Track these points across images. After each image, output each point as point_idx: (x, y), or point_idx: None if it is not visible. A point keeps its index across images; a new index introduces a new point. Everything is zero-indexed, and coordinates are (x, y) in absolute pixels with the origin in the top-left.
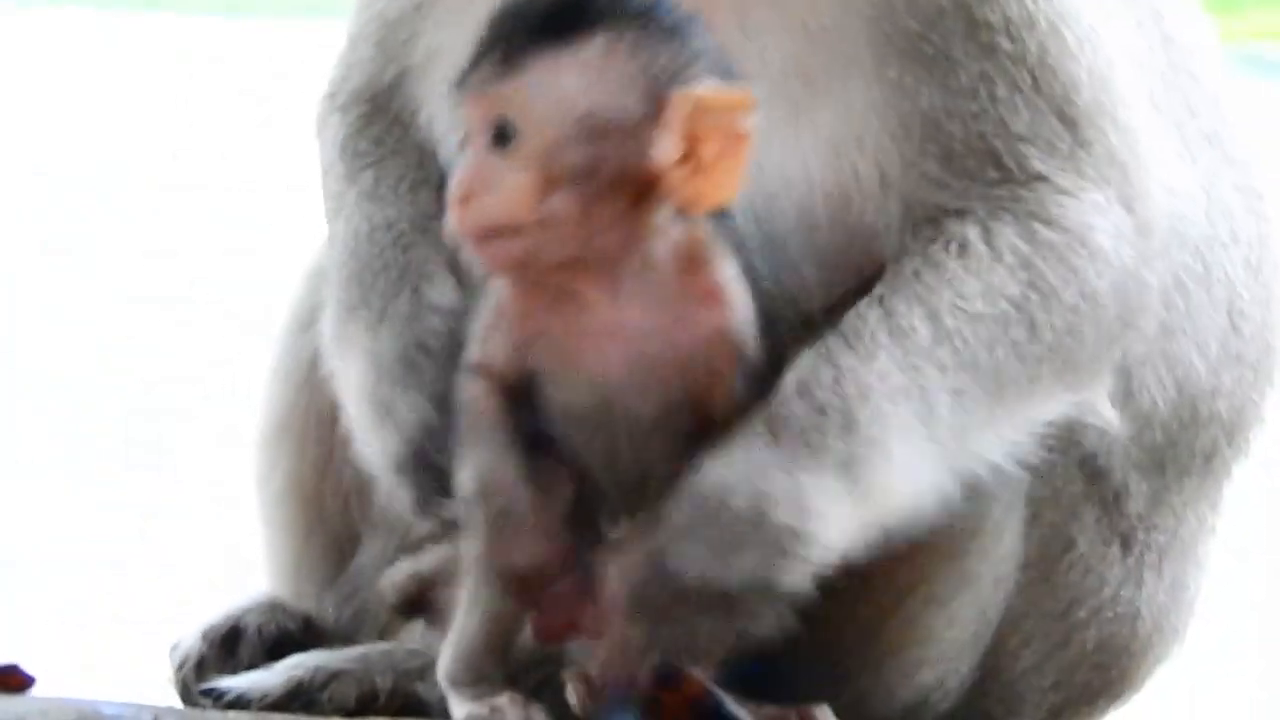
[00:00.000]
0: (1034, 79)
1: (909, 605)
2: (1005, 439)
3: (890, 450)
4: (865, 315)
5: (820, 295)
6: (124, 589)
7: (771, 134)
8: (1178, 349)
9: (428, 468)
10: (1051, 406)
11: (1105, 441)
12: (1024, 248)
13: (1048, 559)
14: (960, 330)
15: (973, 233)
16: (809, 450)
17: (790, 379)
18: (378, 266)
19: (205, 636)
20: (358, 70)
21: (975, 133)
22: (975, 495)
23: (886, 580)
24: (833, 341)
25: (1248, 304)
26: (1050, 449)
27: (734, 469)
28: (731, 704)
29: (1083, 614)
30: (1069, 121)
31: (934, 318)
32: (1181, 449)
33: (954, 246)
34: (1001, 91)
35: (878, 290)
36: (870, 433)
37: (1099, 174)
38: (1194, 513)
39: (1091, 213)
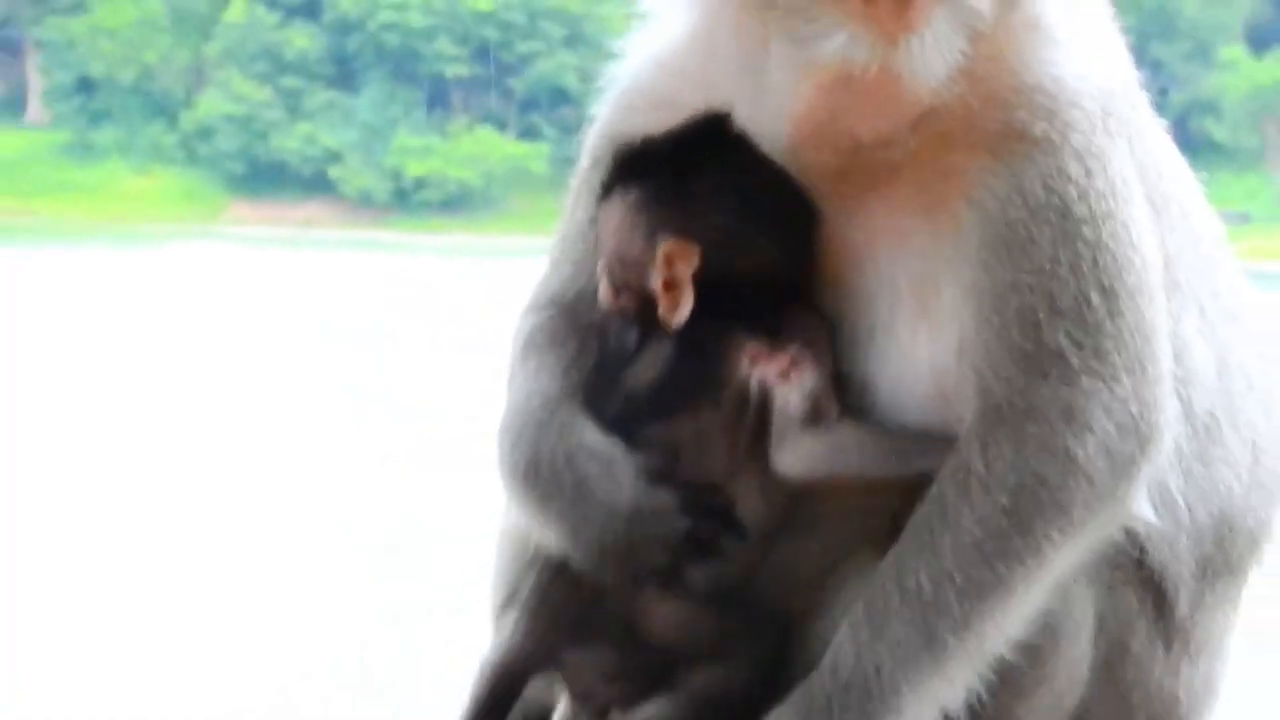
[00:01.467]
0: (1095, 261)
1: (1000, 700)
2: (1028, 614)
3: (903, 708)
4: (883, 579)
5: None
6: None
7: (902, 325)
8: (1219, 476)
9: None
10: (1070, 560)
11: (1161, 560)
12: (1011, 451)
13: (1110, 661)
14: (961, 566)
15: (973, 452)
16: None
17: (827, 656)
18: (531, 424)
19: None
20: (552, 282)
21: (1029, 305)
22: (1052, 615)
23: (986, 684)
24: (858, 617)
25: (1265, 440)
26: (1115, 570)
27: None
28: None
29: (1135, 700)
30: (1112, 296)
31: (937, 564)
32: (1219, 559)
33: (959, 475)
34: (1063, 270)
35: (895, 551)
36: (885, 700)
37: (1117, 350)
38: (1221, 612)
39: (1086, 397)
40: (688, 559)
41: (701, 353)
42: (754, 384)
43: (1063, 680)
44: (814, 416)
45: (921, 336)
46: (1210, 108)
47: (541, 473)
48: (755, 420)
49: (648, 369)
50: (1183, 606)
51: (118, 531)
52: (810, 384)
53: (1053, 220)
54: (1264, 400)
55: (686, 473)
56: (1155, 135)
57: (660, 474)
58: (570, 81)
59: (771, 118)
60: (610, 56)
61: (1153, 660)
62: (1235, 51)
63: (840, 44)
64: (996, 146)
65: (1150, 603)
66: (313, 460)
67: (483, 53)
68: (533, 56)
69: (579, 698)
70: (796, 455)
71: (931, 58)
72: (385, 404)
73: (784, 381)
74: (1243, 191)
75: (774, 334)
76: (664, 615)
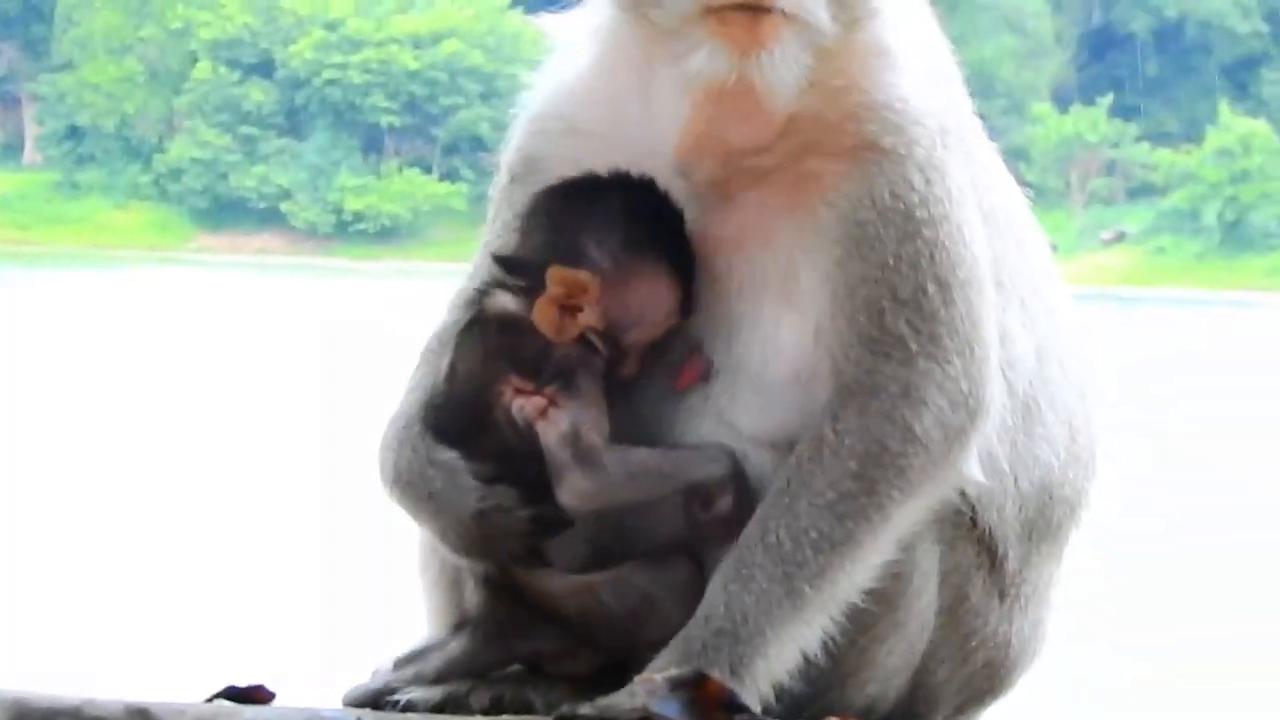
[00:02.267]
0: (933, 258)
1: (860, 643)
2: (876, 566)
3: (767, 650)
4: (748, 537)
5: (786, 432)
6: (341, 626)
7: (768, 312)
8: (1039, 451)
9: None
10: (911, 518)
11: (991, 521)
12: (858, 422)
13: (952, 608)
14: (815, 524)
15: (825, 424)
16: (707, 661)
17: (701, 606)
18: (395, 439)
19: (395, 664)
20: (470, 286)
21: (874, 295)
22: (902, 571)
23: (844, 630)
24: (727, 571)
25: (1080, 420)
26: (955, 529)
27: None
28: (742, 696)
29: (974, 644)
30: (946, 287)
31: (795, 522)
32: (1041, 522)
33: (813, 444)
34: (904, 266)
35: (760, 512)
36: (752, 643)
37: (949, 335)
38: (1047, 569)
39: (922, 376)
40: (540, 539)
41: (476, 381)
42: (518, 417)
43: (914, 626)
44: (579, 455)
45: (784, 324)
46: (1023, 154)
47: (402, 486)
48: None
49: (449, 386)
50: (1012, 563)
51: (110, 524)
52: (565, 424)
53: (897, 222)
54: (1078, 386)
55: (522, 471)
56: (986, 154)
57: (499, 476)
58: (485, 131)
59: (662, 135)
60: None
61: (989, 609)
62: (1044, 108)
63: (702, 58)
64: (851, 156)
65: (985, 558)
66: (274, 456)
67: (412, 105)
68: (454, 109)
69: (556, 678)
70: (569, 493)
71: (782, 71)
72: (330, 405)
73: (542, 419)
74: (1050, 225)
75: (538, 371)
76: (561, 590)
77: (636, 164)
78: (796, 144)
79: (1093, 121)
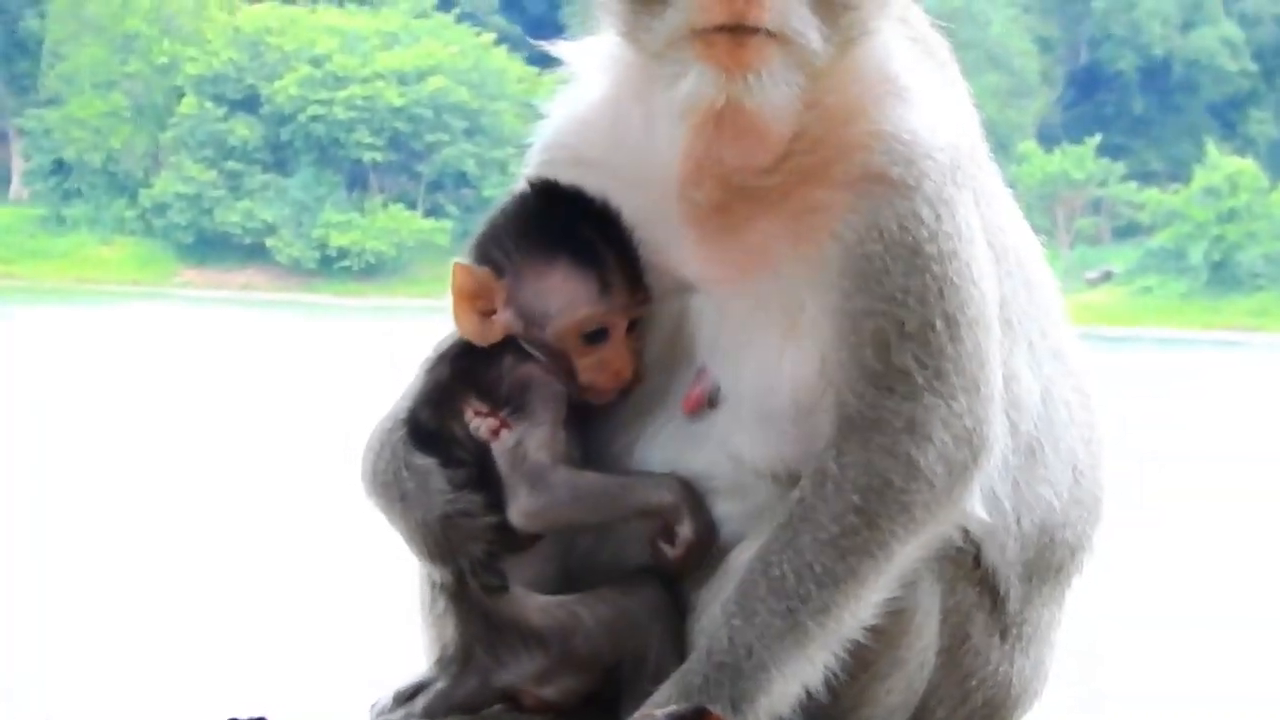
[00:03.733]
0: (941, 293)
1: (861, 680)
2: (878, 602)
3: (770, 685)
4: (752, 571)
5: (790, 462)
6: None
7: (772, 342)
8: (1041, 492)
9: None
10: (913, 554)
11: (993, 560)
12: (862, 456)
13: (953, 647)
14: (819, 558)
15: (829, 458)
16: (708, 696)
17: (703, 640)
18: (376, 442)
19: (395, 698)
20: None
21: (880, 328)
22: (904, 609)
23: (846, 666)
24: (730, 605)
25: (1084, 465)
26: (956, 568)
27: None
28: None
29: (974, 683)
30: (954, 324)
31: (798, 557)
32: (1043, 564)
33: (817, 477)
34: (911, 300)
35: (763, 545)
36: (755, 678)
37: (956, 372)
38: (1048, 612)
39: (927, 411)
40: (502, 548)
41: (443, 394)
42: (475, 435)
43: (914, 664)
44: (525, 473)
45: (788, 355)
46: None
47: (378, 486)
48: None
49: (423, 400)
50: (1013, 602)
51: (91, 562)
52: (511, 444)
53: (905, 256)
54: (1083, 431)
55: (489, 488)
56: (999, 194)
57: (470, 483)
58: (470, 167)
59: (663, 162)
60: (502, 143)
61: (989, 648)
62: (1029, 146)
63: (691, 82)
64: (857, 186)
65: (987, 598)
66: (257, 492)
67: (396, 141)
68: (438, 145)
69: (538, 709)
70: (516, 512)
71: (772, 92)
72: (312, 441)
73: (494, 438)
74: None
75: (494, 393)
76: (533, 608)
77: (640, 191)
78: (800, 168)
79: (1079, 160)
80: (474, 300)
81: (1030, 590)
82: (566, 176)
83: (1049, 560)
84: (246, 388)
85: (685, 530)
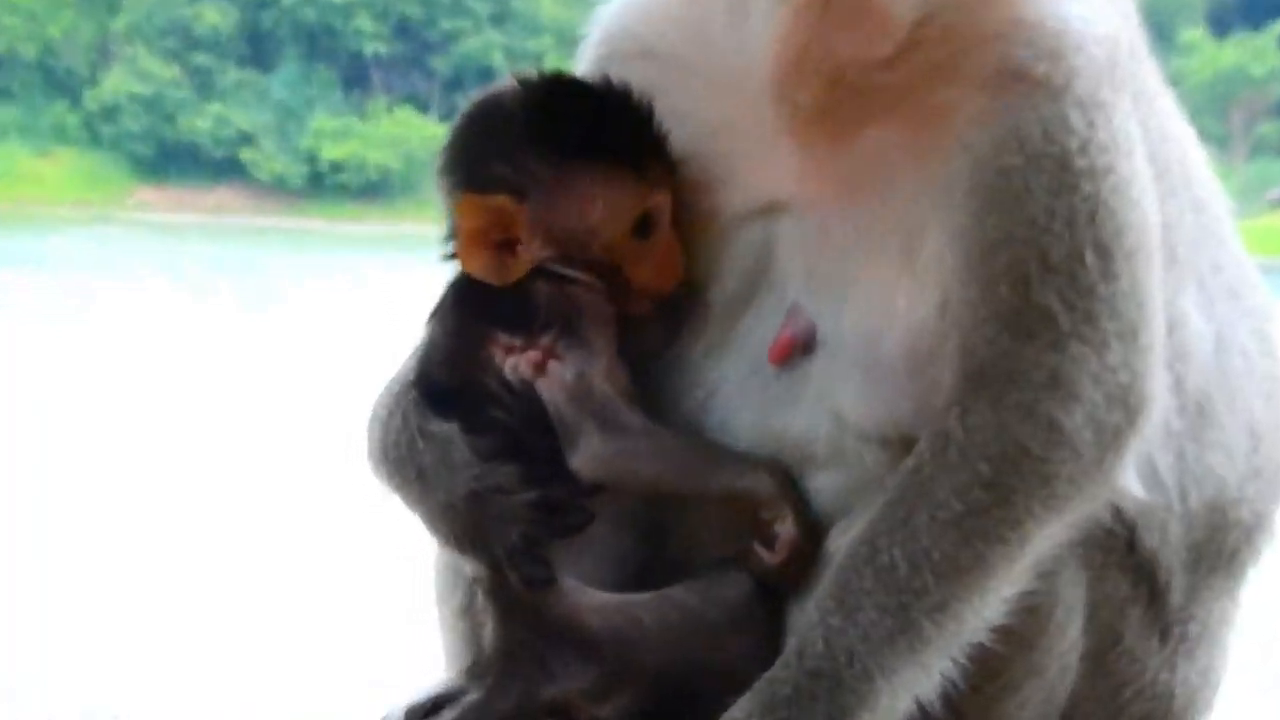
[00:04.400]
0: (1093, 218)
1: (987, 692)
2: (1009, 597)
3: (875, 699)
4: (854, 559)
5: (904, 424)
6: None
7: (883, 275)
8: (1212, 460)
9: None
10: (1053, 538)
11: (1152, 545)
12: (993, 417)
13: (1101, 651)
14: (938, 543)
15: (952, 419)
16: (798, 711)
17: (793, 642)
18: (386, 406)
19: (408, 715)
20: None
21: (1019, 259)
22: (1041, 604)
23: (968, 675)
24: (826, 600)
25: (1264, 428)
26: (1106, 553)
27: None
28: None
29: (1128, 695)
30: (1108, 256)
31: (913, 541)
32: (1213, 549)
33: (937, 443)
34: (1057, 225)
35: (869, 526)
36: (856, 689)
37: (1109, 315)
38: (1219, 606)
39: (1073, 363)
40: (546, 531)
41: (457, 343)
42: (512, 379)
43: (1053, 672)
44: (593, 410)
45: (901, 290)
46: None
47: (389, 462)
48: (537, 417)
49: (431, 355)
50: (1176, 596)
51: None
52: (570, 375)
53: (1050, 170)
54: (1263, 385)
55: (532, 452)
56: (1161, 98)
57: (501, 451)
58: (497, 60)
59: (755, 53)
60: (537, 31)
61: (1147, 652)
62: (1196, 34)
63: None
64: (993, 85)
65: (1144, 590)
66: (233, 465)
67: (404, 29)
68: (457, 34)
69: None
70: (584, 456)
71: None
72: (301, 400)
73: (541, 376)
74: None
75: (527, 323)
76: (590, 608)
77: (724, 91)
78: (924, 64)
79: (1259, 52)
80: (487, 235)
81: (1197, 581)
82: (632, 73)
83: (1220, 544)
84: (219, 335)
85: (787, 529)
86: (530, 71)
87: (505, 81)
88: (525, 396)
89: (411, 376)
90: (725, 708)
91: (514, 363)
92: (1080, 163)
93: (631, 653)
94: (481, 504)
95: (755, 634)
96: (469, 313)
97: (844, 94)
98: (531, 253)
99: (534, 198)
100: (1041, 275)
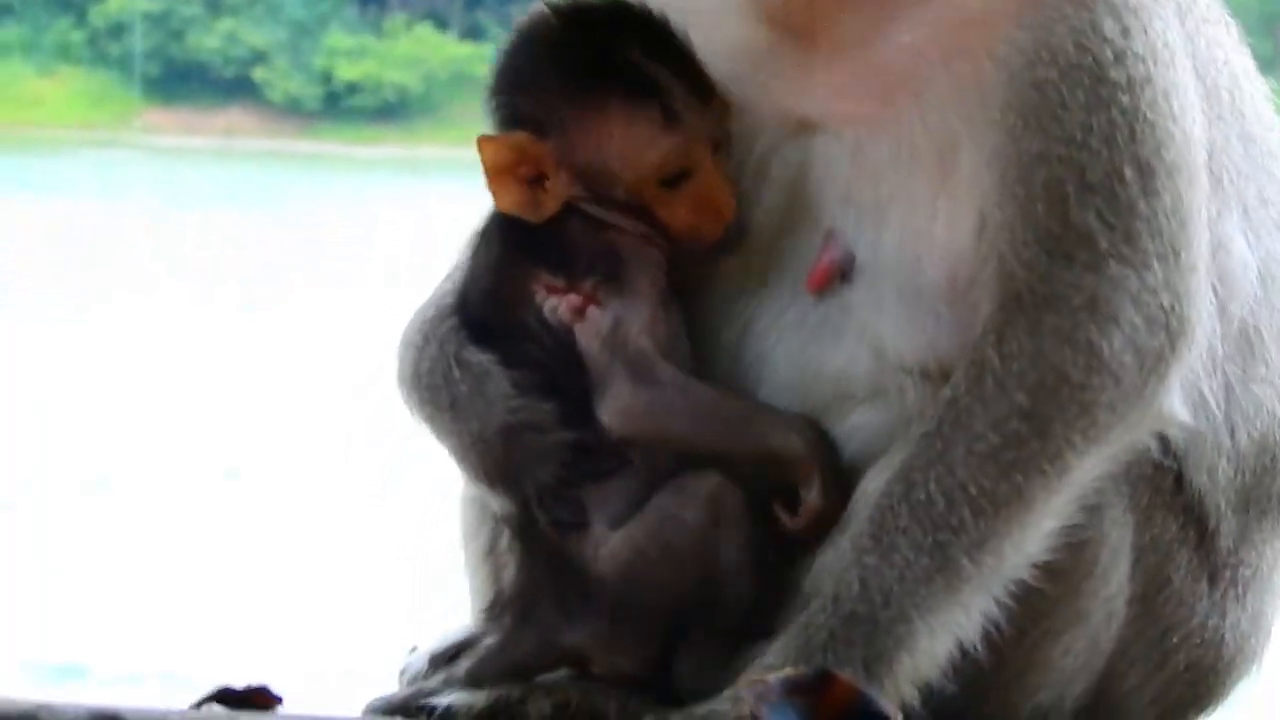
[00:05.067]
0: (1132, 132)
1: (1031, 637)
2: (1051, 532)
3: (914, 641)
4: (889, 495)
5: (945, 355)
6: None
7: (920, 196)
8: (1260, 396)
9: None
10: (1095, 470)
11: (1199, 484)
12: (1030, 343)
13: (1148, 595)
14: (975, 477)
15: (988, 346)
16: (834, 657)
17: (828, 583)
18: (419, 333)
19: (432, 661)
20: None
21: (1056, 179)
22: (1087, 545)
23: (1012, 617)
24: (861, 538)
25: None
26: (1154, 492)
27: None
28: (878, 700)
29: (1175, 640)
30: (1149, 172)
31: (949, 476)
32: (1263, 491)
33: (972, 371)
34: (1095, 141)
35: (904, 461)
36: (893, 631)
37: (1150, 234)
38: (1271, 550)
39: (1113, 285)
40: (577, 473)
41: (499, 276)
42: (550, 320)
43: (1099, 617)
44: (626, 360)
45: (940, 213)
46: None
47: (421, 389)
48: (570, 358)
49: (471, 285)
50: (1225, 538)
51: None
52: (607, 323)
53: (1085, 83)
54: None
55: (564, 393)
56: (1216, 20)
57: (538, 387)
58: None
59: None
60: None
61: (1195, 596)
62: None
63: None
64: None
65: (1192, 531)
66: (252, 414)
67: None
68: None
69: (606, 680)
70: (613, 409)
71: None
72: (319, 333)
73: (579, 319)
74: None
75: (570, 264)
76: (599, 547)
77: (743, 8)
78: None
79: None
80: (514, 171)
81: (1248, 523)
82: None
83: (1270, 487)
84: (230, 265)
85: (813, 495)
86: (558, 3)
87: (539, 9)
88: (562, 339)
89: (447, 302)
90: (728, 645)
91: (554, 304)
92: (1115, 74)
93: (638, 585)
94: (516, 439)
95: (730, 529)
96: (512, 247)
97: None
98: (560, 188)
99: (555, 133)
100: (1080, 194)
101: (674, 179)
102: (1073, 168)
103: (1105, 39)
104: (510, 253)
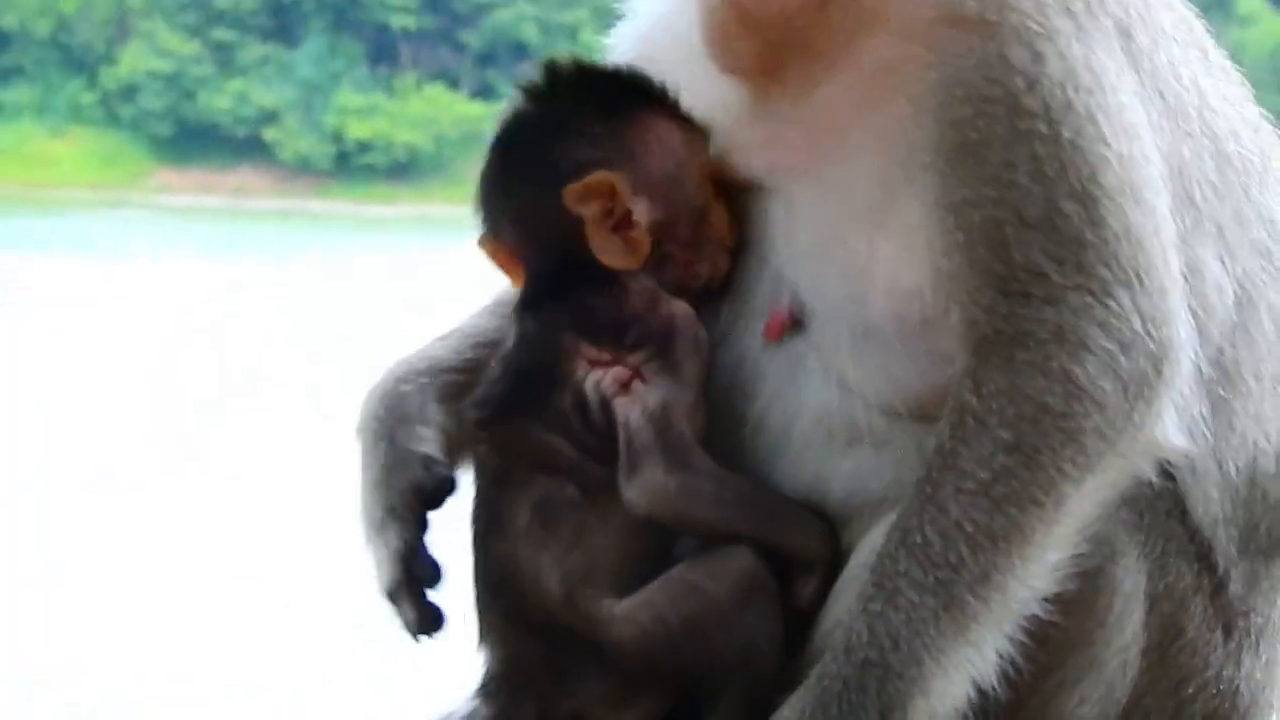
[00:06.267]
0: (1061, 163)
1: (1045, 688)
2: (1053, 564)
3: (927, 682)
4: (889, 543)
5: (911, 393)
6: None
7: (856, 239)
8: (1244, 429)
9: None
10: (1091, 498)
11: (1202, 520)
12: (1005, 380)
13: (1163, 645)
14: (969, 514)
15: (965, 389)
16: (850, 709)
17: (838, 635)
18: (381, 386)
19: None
20: None
21: (992, 220)
22: (1100, 592)
23: (1025, 666)
24: (866, 588)
25: None
26: (1166, 540)
27: None
28: None
29: (1191, 690)
30: (1088, 200)
31: (943, 515)
32: (1261, 532)
33: (954, 415)
34: (1022, 178)
35: (900, 510)
36: (906, 674)
37: (1103, 262)
38: (1278, 596)
39: (1075, 314)
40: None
41: (539, 346)
42: (590, 393)
43: (1114, 666)
44: (665, 442)
45: (878, 254)
46: None
47: (363, 440)
48: (599, 434)
49: (503, 352)
50: (1236, 584)
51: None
52: (654, 401)
53: (1001, 116)
54: None
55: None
56: (1185, 40)
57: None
58: (530, 34)
59: (695, 17)
60: (572, 3)
61: (1209, 646)
62: (1256, 4)
63: None
64: (927, 33)
65: (1206, 579)
66: (252, 472)
67: (434, 2)
68: (489, 6)
69: None
70: (641, 489)
71: None
72: (323, 398)
73: (623, 394)
74: None
75: (618, 336)
76: (617, 619)
77: (697, 73)
78: (855, 12)
79: None
80: (604, 217)
81: (1254, 569)
82: (656, 50)
83: (1268, 527)
84: (240, 324)
85: (805, 591)
86: (526, 76)
87: (510, 101)
88: (592, 414)
89: (420, 366)
90: (748, 704)
91: (598, 378)
92: (1029, 102)
93: (657, 652)
94: (385, 525)
95: (762, 606)
96: (553, 318)
97: (780, 52)
98: (644, 217)
99: (621, 160)
100: (1019, 232)
101: (717, 185)
102: (1007, 207)
103: (1014, 68)
104: (550, 324)
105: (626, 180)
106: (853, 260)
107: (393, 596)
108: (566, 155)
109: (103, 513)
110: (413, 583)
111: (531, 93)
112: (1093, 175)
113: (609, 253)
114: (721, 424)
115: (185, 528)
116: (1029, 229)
